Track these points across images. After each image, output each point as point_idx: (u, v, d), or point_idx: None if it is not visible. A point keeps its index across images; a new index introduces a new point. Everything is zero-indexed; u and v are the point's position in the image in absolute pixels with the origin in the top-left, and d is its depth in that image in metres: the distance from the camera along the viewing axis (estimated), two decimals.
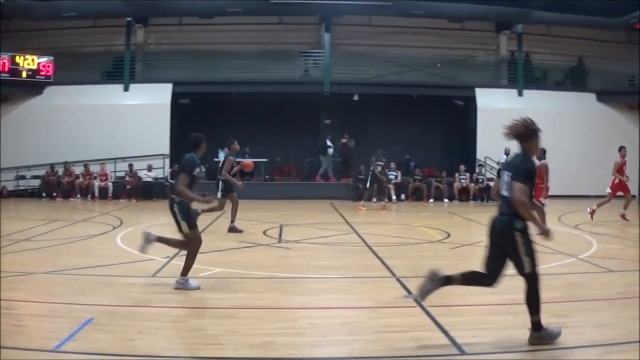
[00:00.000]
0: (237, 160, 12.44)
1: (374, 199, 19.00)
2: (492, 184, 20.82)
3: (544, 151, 11.93)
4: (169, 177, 20.21)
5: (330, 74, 21.60)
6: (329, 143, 21.72)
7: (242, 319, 5.58)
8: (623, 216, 13.74)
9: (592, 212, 13.77)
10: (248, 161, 13.50)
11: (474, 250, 10.20)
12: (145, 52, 23.20)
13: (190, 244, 6.84)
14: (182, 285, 6.63)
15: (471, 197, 20.46)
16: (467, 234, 12.59)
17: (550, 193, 15.22)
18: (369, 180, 18.12)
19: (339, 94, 21.72)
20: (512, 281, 7.49)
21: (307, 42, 23.04)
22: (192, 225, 6.82)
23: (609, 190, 14.08)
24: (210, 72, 21.95)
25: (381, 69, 22.48)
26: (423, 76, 22.62)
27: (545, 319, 5.00)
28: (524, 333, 4.92)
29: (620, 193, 14.15)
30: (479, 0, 21.48)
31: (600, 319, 5.82)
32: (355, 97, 21.90)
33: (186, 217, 6.74)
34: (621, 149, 14.08)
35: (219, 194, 11.73)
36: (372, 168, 18.20)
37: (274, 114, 22.28)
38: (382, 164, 18.99)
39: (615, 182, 13.97)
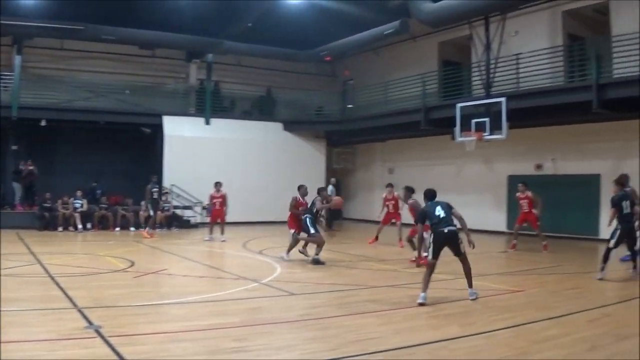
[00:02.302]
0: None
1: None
2: (178, 212, 21.68)
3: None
4: None
5: (19, 98, 20.50)
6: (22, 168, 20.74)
7: None
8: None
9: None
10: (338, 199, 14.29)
11: (156, 278, 10.68)
12: None
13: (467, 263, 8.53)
14: (477, 295, 8.33)
15: (157, 225, 19.98)
16: (151, 262, 12.72)
17: (236, 220, 17.04)
18: (150, 207, 18.56)
19: (26, 118, 20.63)
20: (186, 309, 8.06)
21: None
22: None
23: None
24: None
25: (70, 94, 21.87)
26: (111, 103, 22.39)
27: (225, 344, 5.81)
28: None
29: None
30: (171, 29, 21.79)
31: (279, 341, 6.28)
32: (43, 123, 20.96)
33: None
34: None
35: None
36: (149, 195, 18.43)
37: None
38: (157, 189, 18.91)
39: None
